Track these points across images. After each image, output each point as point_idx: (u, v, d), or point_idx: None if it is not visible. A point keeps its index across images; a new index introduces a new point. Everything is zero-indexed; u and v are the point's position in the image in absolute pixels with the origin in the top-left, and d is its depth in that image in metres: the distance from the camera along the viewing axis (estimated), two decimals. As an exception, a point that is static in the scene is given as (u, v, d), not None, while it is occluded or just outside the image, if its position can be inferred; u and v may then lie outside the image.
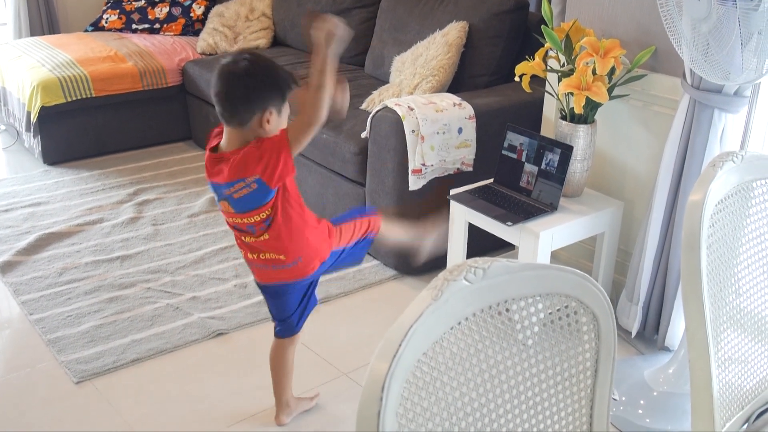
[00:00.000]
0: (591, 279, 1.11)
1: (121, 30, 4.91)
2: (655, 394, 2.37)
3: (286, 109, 1.97)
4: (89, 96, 4.14)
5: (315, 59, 1.86)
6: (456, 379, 1.00)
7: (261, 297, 2.94)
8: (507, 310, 1.05)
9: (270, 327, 2.80)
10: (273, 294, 2.19)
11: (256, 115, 1.91)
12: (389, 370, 0.90)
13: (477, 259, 1.01)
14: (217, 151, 1.99)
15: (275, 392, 2.31)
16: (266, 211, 1.99)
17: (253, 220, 2.00)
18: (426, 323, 0.95)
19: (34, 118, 4.05)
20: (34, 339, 2.70)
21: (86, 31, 4.97)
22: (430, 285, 0.97)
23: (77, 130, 4.22)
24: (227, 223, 2.10)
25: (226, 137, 1.97)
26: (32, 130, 4.13)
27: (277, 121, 1.95)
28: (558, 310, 1.10)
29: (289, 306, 2.19)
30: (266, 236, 2.03)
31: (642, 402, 2.37)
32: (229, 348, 2.69)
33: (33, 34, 5.06)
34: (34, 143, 4.21)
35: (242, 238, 2.09)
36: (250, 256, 2.12)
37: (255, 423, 2.34)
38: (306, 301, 2.22)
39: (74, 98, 4.10)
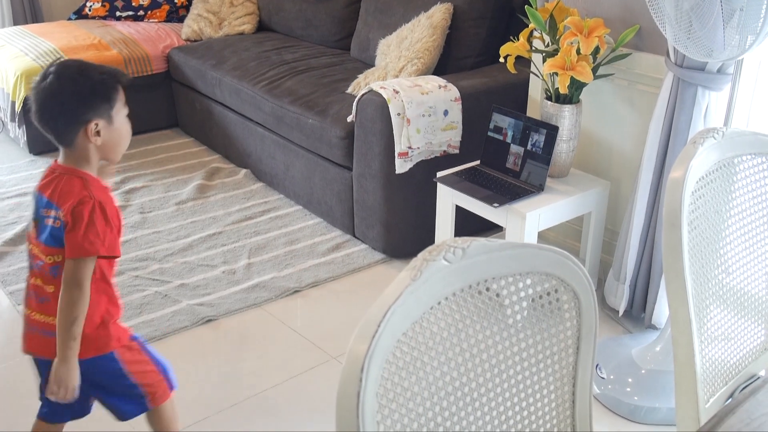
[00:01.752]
0: (571, 257, 1.11)
1: (105, 18, 4.88)
2: (642, 372, 2.39)
3: (119, 113, 1.75)
4: (74, 84, 4.11)
5: None
6: (436, 358, 1.01)
7: (250, 282, 2.95)
8: (487, 289, 1.05)
9: (259, 313, 2.80)
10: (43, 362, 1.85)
11: (80, 132, 1.70)
12: (368, 351, 0.90)
13: (456, 238, 1.01)
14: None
15: None
16: (59, 257, 1.72)
17: (47, 260, 1.74)
18: (405, 304, 0.95)
19: (18, 107, 4.02)
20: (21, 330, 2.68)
21: (70, 19, 4.93)
22: (409, 265, 0.97)
23: (63, 119, 4.19)
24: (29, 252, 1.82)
25: (61, 153, 1.76)
26: (17, 119, 4.10)
27: (109, 129, 1.73)
28: (539, 288, 1.10)
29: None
30: (51, 288, 1.75)
31: (630, 380, 2.38)
32: (219, 334, 2.69)
33: (16, 23, 5.03)
34: (19, 133, 4.18)
35: (31, 280, 1.80)
36: (26, 310, 1.82)
37: (245, 408, 2.35)
38: (97, 383, 1.84)
39: (59, 87, 4.06)
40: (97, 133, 1.71)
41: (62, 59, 1.75)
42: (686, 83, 2.30)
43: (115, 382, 1.86)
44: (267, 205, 3.58)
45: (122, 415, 1.93)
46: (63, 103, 1.68)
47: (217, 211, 3.52)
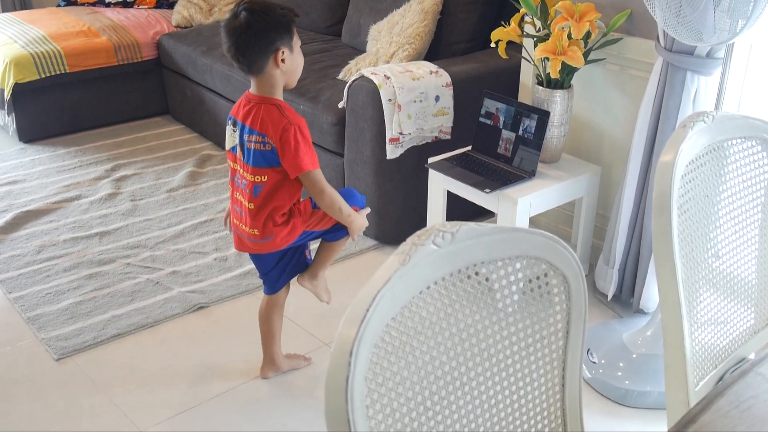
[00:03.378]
0: (561, 241, 1.11)
1: (94, 4, 4.84)
2: (633, 356, 2.39)
3: (296, 43, 2.07)
4: (63, 72, 4.09)
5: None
6: (426, 343, 1.01)
7: (241, 270, 2.95)
8: (477, 273, 1.05)
9: (251, 299, 2.80)
10: (252, 255, 2.30)
11: (270, 59, 2.02)
12: (357, 336, 0.90)
13: (445, 223, 1.01)
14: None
15: (262, 346, 2.39)
16: (264, 177, 2.08)
17: (252, 179, 2.09)
18: (394, 288, 0.94)
19: (7, 95, 3.99)
20: (13, 317, 2.68)
21: (59, 5, 4.89)
22: (398, 250, 0.97)
23: (52, 106, 4.17)
24: (231, 170, 2.20)
25: (253, 84, 2.08)
26: (6, 107, 4.08)
27: (291, 57, 2.05)
28: (528, 272, 1.10)
29: (266, 264, 2.28)
30: (251, 205, 2.11)
31: (621, 364, 2.39)
32: (210, 321, 2.69)
33: (5, 9, 4.99)
34: (8, 121, 4.16)
35: (236, 194, 2.19)
36: (235, 221, 2.22)
37: (238, 395, 2.35)
38: (285, 264, 2.28)
39: (48, 74, 4.04)
40: (283, 60, 2.03)
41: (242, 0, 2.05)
42: (675, 68, 2.29)
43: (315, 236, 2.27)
44: (258, 192, 3.57)
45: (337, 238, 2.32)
46: (257, 34, 1.98)
47: (209, 198, 3.51)
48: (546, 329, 1.14)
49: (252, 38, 1.99)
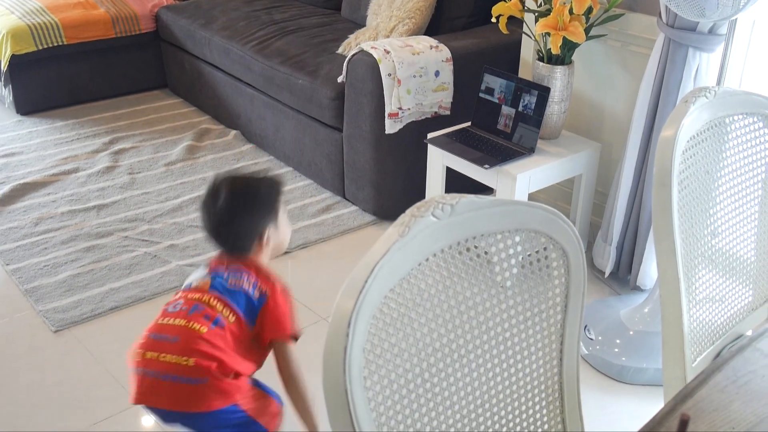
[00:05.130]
0: (560, 215, 1.11)
1: (92, -25, 4.79)
2: (631, 333, 2.40)
3: (282, 216, 1.87)
4: (61, 44, 4.06)
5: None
6: (424, 315, 1.00)
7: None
8: (476, 246, 1.04)
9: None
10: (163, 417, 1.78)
11: (255, 241, 1.81)
12: (355, 307, 0.90)
13: (445, 195, 1.00)
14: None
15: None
16: (232, 317, 1.75)
17: (214, 306, 1.74)
18: (393, 260, 0.94)
19: (4, 67, 3.97)
20: (11, 289, 2.68)
21: (56, -23, 4.85)
22: (397, 222, 0.96)
23: (50, 78, 4.14)
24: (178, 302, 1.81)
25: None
26: (3, 79, 4.05)
27: (276, 235, 1.85)
28: (527, 246, 1.10)
29: None
30: (203, 329, 1.70)
31: (618, 341, 2.39)
32: (208, 295, 2.69)
33: (1, -20, 4.94)
34: (5, 93, 4.13)
35: (162, 320, 1.77)
36: (147, 355, 1.71)
37: (234, 368, 2.35)
38: None
39: (45, 46, 4.01)
40: (267, 240, 1.82)
41: (221, 175, 1.80)
42: (677, 44, 2.28)
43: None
44: (257, 167, 3.56)
45: None
46: (242, 219, 1.78)
47: (207, 173, 3.50)
48: (544, 303, 1.14)
49: (233, 224, 1.77)
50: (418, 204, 0.98)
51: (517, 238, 1.08)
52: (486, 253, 1.06)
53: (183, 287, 1.85)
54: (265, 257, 1.86)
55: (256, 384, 1.85)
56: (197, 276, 1.84)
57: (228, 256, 1.83)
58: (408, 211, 0.97)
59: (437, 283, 1.01)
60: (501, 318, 1.10)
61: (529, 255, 1.10)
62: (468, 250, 1.03)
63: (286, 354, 1.83)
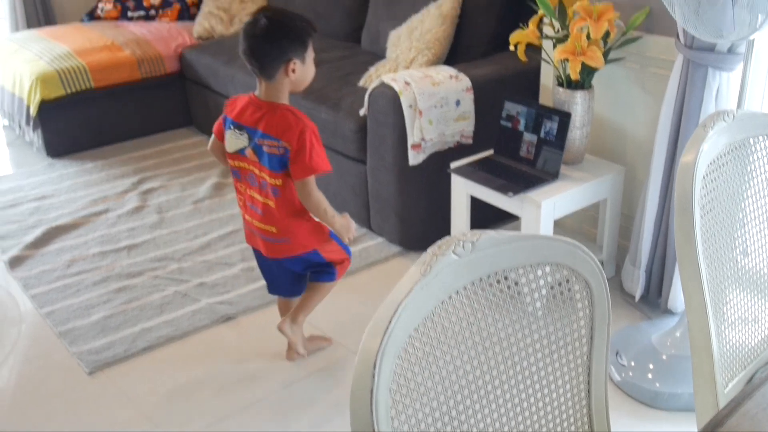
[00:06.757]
0: (581, 246, 1.11)
1: (117, 19, 4.90)
2: (663, 357, 2.37)
3: (309, 55, 2.16)
4: (89, 88, 4.15)
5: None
6: (449, 352, 1.01)
7: (267, 279, 2.96)
8: (498, 281, 1.05)
9: (278, 309, 2.81)
10: (262, 263, 2.42)
11: (281, 67, 2.11)
12: (380, 347, 0.91)
13: (465, 232, 1.01)
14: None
15: (291, 313, 2.47)
16: (279, 180, 2.16)
17: (272, 182, 2.17)
18: (416, 299, 0.95)
19: (34, 112, 4.06)
20: (45, 331, 2.72)
21: (82, 21, 4.96)
22: (419, 261, 0.97)
23: (78, 121, 4.23)
24: (235, 169, 2.25)
25: (260, 89, 2.17)
26: (32, 124, 4.14)
27: (302, 69, 2.14)
28: (550, 279, 1.10)
29: (278, 277, 2.44)
30: (272, 203, 2.20)
31: (651, 366, 2.37)
32: (239, 332, 2.71)
33: (29, 26, 5.06)
34: (34, 137, 4.22)
35: (249, 192, 2.25)
36: (248, 218, 2.31)
37: (266, 406, 2.36)
38: (295, 279, 2.43)
39: (74, 90, 4.10)
40: (293, 70, 2.12)
41: (266, 7, 2.13)
42: (696, 64, 2.27)
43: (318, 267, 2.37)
44: (283, 201, 3.59)
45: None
46: (272, 43, 2.08)
47: (234, 209, 3.54)
48: (570, 335, 1.14)
49: (267, 46, 2.09)
50: (439, 242, 0.99)
51: (539, 272, 1.09)
52: (516, 284, 1.07)
53: (238, 151, 2.20)
54: (287, 88, 2.15)
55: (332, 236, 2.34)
56: (234, 136, 2.19)
57: (259, 86, 2.16)
58: (429, 250, 0.98)
59: (461, 320, 1.02)
60: (527, 351, 1.10)
61: (552, 288, 1.10)
62: (491, 285, 1.04)
63: (307, 187, 2.17)
